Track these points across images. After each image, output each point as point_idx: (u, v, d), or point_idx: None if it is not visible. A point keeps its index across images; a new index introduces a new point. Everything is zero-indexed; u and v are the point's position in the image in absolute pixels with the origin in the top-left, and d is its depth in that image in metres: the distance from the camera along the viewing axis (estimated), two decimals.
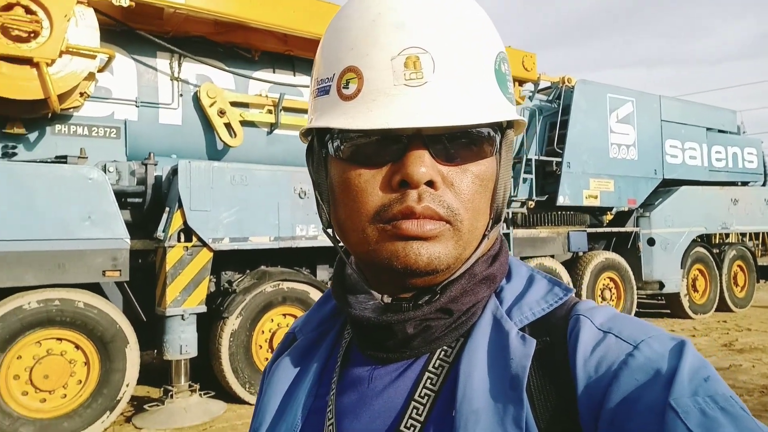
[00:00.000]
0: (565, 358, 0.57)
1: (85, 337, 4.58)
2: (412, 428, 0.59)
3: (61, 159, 4.84)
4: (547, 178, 8.56)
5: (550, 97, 9.18)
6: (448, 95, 0.57)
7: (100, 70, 5.11)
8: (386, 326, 0.62)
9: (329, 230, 0.68)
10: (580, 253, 8.72)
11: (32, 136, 5.10)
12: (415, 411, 0.60)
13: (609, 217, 9.68)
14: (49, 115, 4.96)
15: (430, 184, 0.57)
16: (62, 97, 4.78)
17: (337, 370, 0.68)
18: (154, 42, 5.61)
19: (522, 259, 7.83)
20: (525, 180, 8.06)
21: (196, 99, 5.94)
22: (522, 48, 7.90)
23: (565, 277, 8.19)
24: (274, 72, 6.49)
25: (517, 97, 7.84)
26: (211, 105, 5.90)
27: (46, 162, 4.79)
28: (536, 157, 8.20)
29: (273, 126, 6.36)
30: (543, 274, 0.67)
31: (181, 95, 5.90)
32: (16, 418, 4.30)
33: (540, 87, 8.80)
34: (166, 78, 5.84)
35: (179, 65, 5.89)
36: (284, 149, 6.40)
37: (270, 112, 6.31)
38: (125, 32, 5.48)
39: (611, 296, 8.83)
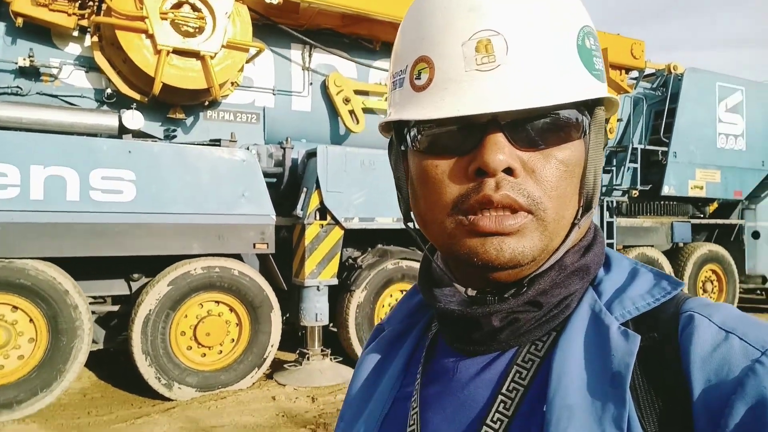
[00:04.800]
0: (676, 357, 0.53)
1: (238, 301, 5.15)
2: (498, 423, 0.57)
3: (215, 142, 5.41)
4: (651, 168, 8.51)
5: (654, 85, 9.06)
6: (524, 77, 0.54)
7: (248, 62, 5.63)
8: (472, 319, 0.61)
9: (410, 224, 0.67)
10: (681, 244, 8.65)
11: (188, 121, 5.71)
12: (502, 405, 0.58)
13: (712, 207, 9.48)
14: (206, 102, 5.53)
15: (509, 171, 0.55)
16: (219, 87, 5.32)
17: (422, 361, 0.68)
18: (289, 34, 6.08)
19: (625, 248, 7.88)
20: (629, 169, 8.06)
21: (324, 87, 6.38)
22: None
23: (667, 268, 8.17)
24: None
25: (624, 86, 7.83)
26: (338, 93, 6.33)
27: (204, 144, 5.36)
28: (642, 146, 8.16)
29: None
30: (648, 266, 0.62)
31: (311, 84, 6.37)
32: (183, 368, 4.93)
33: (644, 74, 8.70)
34: (299, 68, 6.32)
35: (310, 56, 6.35)
36: None
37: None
38: (267, 26, 5.97)
39: (713, 288, 8.72)
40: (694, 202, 9.02)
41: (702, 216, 9.28)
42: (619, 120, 8.56)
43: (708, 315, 0.54)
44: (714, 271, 8.72)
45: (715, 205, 9.40)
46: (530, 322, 0.59)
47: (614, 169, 8.31)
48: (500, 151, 0.54)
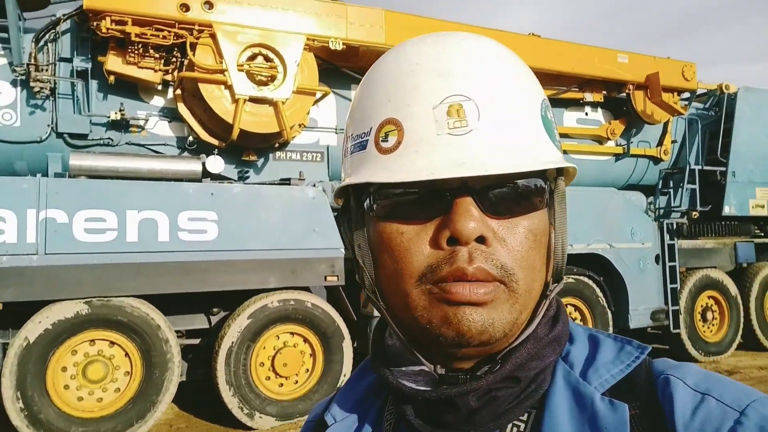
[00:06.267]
0: (662, 423, 0.52)
1: (312, 332, 5.37)
2: None
3: (285, 181, 5.72)
4: (708, 188, 8.42)
5: (707, 105, 9.02)
6: (497, 143, 0.54)
7: (314, 104, 5.97)
8: (446, 401, 0.56)
9: (373, 295, 0.62)
10: (745, 265, 8.46)
11: (259, 162, 6.06)
12: None
13: None
14: (276, 144, 5.87)
15: (481, 240, 0.53)
16: (290, 129, 5.66)
17: None
18: (350, 76, 6.41)
19: (688, 270, 7.77)
20: (687, 190, 8.00)
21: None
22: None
23: (733, 289, 8.00)
24: None
25: (678, 108, 7.84)
26: None
27: (275, 183, 5.69)
28: (699, 167, 8.11)
29: None
30: (602, 332, 0.62)
31: None
32: (264, 398, 5.16)
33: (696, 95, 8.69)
34: None
35: None
36: None
37: None
38: (328, 69, 6.32)
39: None
40: (756, 221, 8.84)
41: (764, 235, 9.06)
42: (674, 141, 8.54)
43: (681, 377, 0.54)
44: None
45: None
46: (509, 400, 0.56)
47: (671, 191, 8.26)
48: (472, 218, 0.53)
